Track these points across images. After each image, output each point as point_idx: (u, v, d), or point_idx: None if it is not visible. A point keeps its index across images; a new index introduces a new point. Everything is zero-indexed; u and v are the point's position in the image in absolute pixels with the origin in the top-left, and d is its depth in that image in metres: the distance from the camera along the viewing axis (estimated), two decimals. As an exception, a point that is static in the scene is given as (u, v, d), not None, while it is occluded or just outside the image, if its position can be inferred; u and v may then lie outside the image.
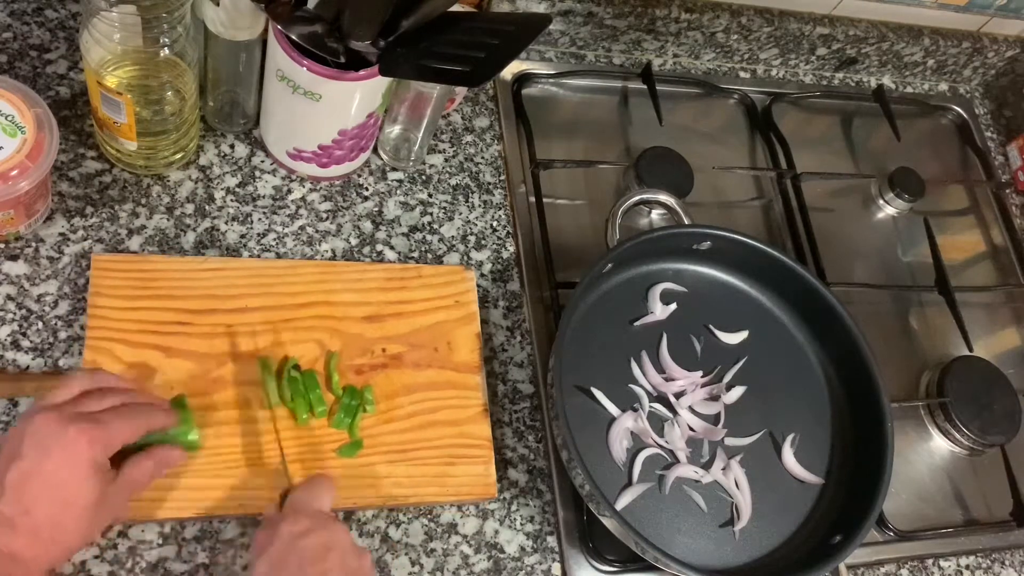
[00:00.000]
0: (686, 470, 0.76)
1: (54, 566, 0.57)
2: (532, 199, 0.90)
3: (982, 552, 0.89)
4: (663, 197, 0.85)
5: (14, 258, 0.72)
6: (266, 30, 0.73)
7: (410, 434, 0.74)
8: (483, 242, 0.86)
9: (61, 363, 0.69)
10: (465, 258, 0.85)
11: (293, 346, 0.73)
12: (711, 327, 0.84)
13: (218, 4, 0.70)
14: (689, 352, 0.82)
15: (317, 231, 0.81)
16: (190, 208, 0.78)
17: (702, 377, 0.81)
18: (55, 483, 0.55)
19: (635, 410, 0.77)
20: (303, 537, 0.58)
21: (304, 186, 0.83)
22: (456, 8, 0.69)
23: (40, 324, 0.70)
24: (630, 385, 0.79)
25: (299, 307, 0.75)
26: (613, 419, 0.76)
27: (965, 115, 1.18)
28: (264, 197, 0.81)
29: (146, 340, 0.70)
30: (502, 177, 0.91)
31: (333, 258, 0.80)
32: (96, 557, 0.65)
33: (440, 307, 0.79)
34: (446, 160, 0.89)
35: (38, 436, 0.56)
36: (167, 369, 0.70)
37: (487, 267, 0.85)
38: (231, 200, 0.80)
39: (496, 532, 0.75)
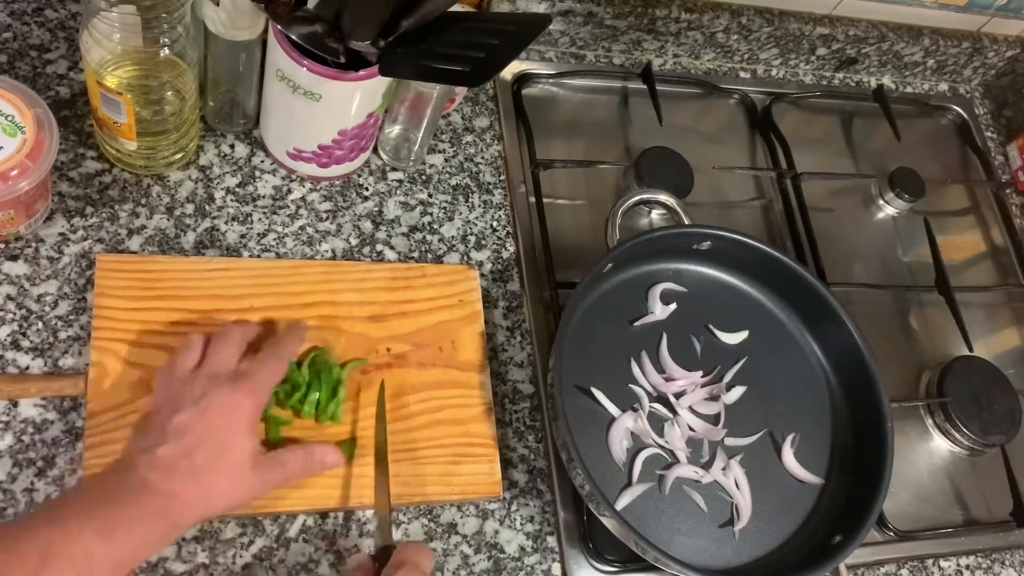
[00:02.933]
0: (686, 470, 0.76)
1: (206, 516, 0.59)
2: (532, 199, 0.90)
3: (982, 552, 0.89)
4: (663, 197, 0.85)
5: (14, 258, 0.72)
6: (266, 30, 0.73)
7: (415, 433, 0.74)
8: (483, 242, 0.86)
9: (61, 363, 0.69)
10: (465, 258, 0.85)
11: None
12: (711, 327, 0.84)
13: (218, 4, 0.70)
14: (689, 352, 0.82)
15: (317, 231, 0.81)
16: (190, 208, 0.78)
17: (702, 377, 0.81)
18: (215, 431, 0.59)
19: (635, 410, 0.77)
20: None
21: (304, 186, 0.83)
22: (456, 8, 0.69)
23: (40, 324, 0.70)
24: (630, 385, 0.79)
25: (304, 307, 0.75)
26: (613, 419, 0.76)
27: (965, 115, 1.18)
28: (264, 197, 0.81)
29: (152, 340, 0.70)
30: (502, 177, 0.91)
31: (333, 258, 0.80)
32: (96, 557, 0.65)
33: (444, 306, 0.79)
34: (446, 160, 0.89)
35: (195, 395, 0.60)
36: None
37: (487, 267, 0.85)
38: (231, 200, 0.80)
39: (496, 532, 0.75)
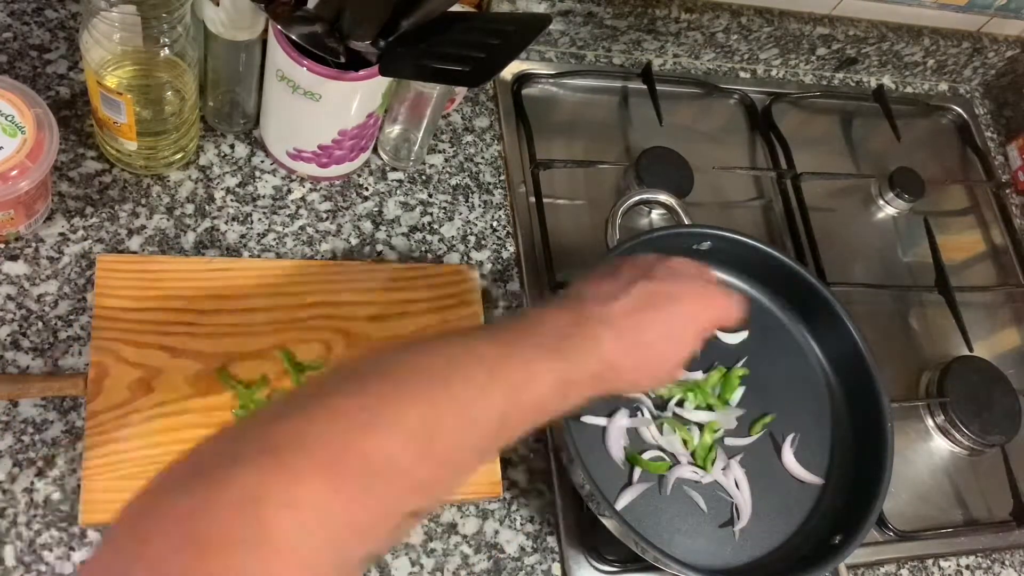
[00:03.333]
0: (686, 470, 0.76)
1: (644, 387, 0.59)
2: (532, 199, 0.90)
3: (982, 552, 0.89)
4: (663, 197, 0.85)
5: (14, 258, 0.72)
6: (266, 30, 0.73)
7: None
8: (483, 242, 0.86)
9: (61, 363, 0.69)
10: (465, 258, 0.85)
11: (299, 346, 0.73)
12: (711, 327, 0.83)
13: (218, 4, 0.70)
14: (689, 352, 0.82)
15: (317, 231, 0.81)
16: (190, 208, 0.78)
17: (702, 376, 0.81)
18: (677, 317, 0.56)
19: (635, 410, 0.77)
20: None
21: (304, 186, 0.83)
22: (456, 8, 0.69)
23: (40, 324, 0.70)
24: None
25: (305, 307, 0.75)
26: (608, 420, 0.76)
27: (965, 115, 1.18)
28: (264, 197, 0.81)
29: (152, 340, 0.70)
30: (502, 177, 0.91)
31: (333, 258, 0.80)
32: (96, 557, 0.65)
33: (444, 306, 0.79)
34: (446, 160, 0.89)
35: (680, 273, 0.58)
36: (173, 369, 0.70)
37: (487, 267, 0.85)
38: (231, 200, 0.80)
39: (496, 532, 0.75)
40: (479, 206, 0.88)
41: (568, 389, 0.51)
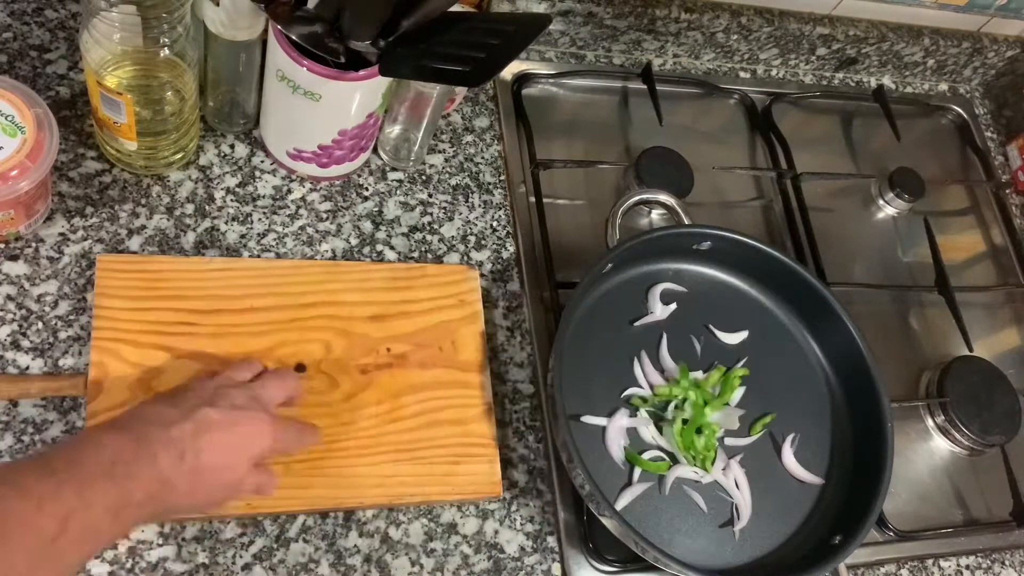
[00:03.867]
0: (686, 470, 0.76)
1: (189, 512, 0.61)
2: (532, 199, 0.90)
3: (982, 552, 0.89)
4: (663, 197, 0.85)
5: (14, 258, 0.72)
6: (266, 30, 0.73)
7: (416, 433, 0.74)
8: (483, 242, 0.86)
9: (61, 363, 0.69)
10: (465, 258, 0.85)
11: (299, 346, 0.73)
12: (711, 327, 0.83)
13: (218, 4, 0.70)
14: (689, 352, 0.82)
15: (317, 231, 0.81)
16: (190, 208, 0.78)
17: (703, 375, 0.81)
18: (231, 445, 0.59)
19: (635, 410, 0.77)
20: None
21: (304, 186, 0.83)
22: (456, 8, 0.69)
23: (40, 324, 0.70)
24: (630, 385, 0.78)
25: (305, 307, 0.75)
26: (608, 420, 0.76)
27: (965, 115, 1.18)
28: (264, 197, 0.81)
29: (152, 341, 0.70)
30: (502, 177, 0.91)
31: (333, 258, 0.80)
32: (96, 557, 0.64)
33: (444, 306, 0.79)
34: (446, 160, 0.89)
35: (235, 402, 0.61)
36: (173, 369, 0.70)
37: (487, 267, 0.85)
38: (231, 200, 0.80)
39: (496, 532, 0.75)
40: (479, 206, 0.88)
41: (121, 512, 0.53)
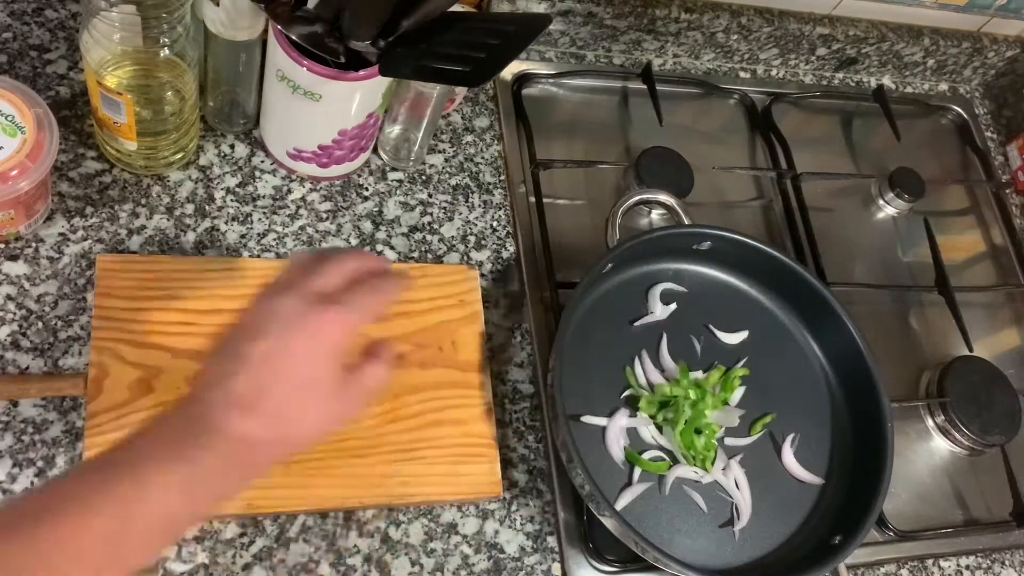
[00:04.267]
0: (686, 470, 0.76)
1: (287, 456, 0.53)
2: (532, 199, 0.90)
3: (982, 552, 0.89)
4: (663, 197, 0.85)
5: (14, 258, 0.72)
6: (266, 30, 0.73)
7: (416, 433, 0.74)
8: (483, 242, 0.86)
9: (61, 363, 0.69)
10: (465, 258, 0.85)
11: None
12: (711, 327, 0.83)
13: (218, 4, 0.70)
14: (689, 352, 0.82)
15: (317, 231, 0.81)
16: (190, 208, 0.78)
17: (703, 375, 0.81)
18: (300, 363, 0.51)
19: (635, 410, 0.77)
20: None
21: (304, 186, 0.83)
22: (456, 8, 0.69)
23: (40, 324, 0.70)
24: (630, 386, 0.79)
25: None
26: (608, 420, 0.76)
27: (965, 115, 1.18)
28: (264, 197, 0.81)
29: (152, 340, 0.70)
30: (502, 177, 0.91)
31: (333, 258, 0.80)
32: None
33: (444, 306, 0.79)
34: (446, 160, 0.89)
35: (283, 316, 0.52)
36: (173, 369, 0.70)
37: (487, 267, 0.85)
38: (231, 200, 0.80)
39: (496, 532, 0.75)
40: (479, 206, 0.88)
41: (196, 488, 0.48)
